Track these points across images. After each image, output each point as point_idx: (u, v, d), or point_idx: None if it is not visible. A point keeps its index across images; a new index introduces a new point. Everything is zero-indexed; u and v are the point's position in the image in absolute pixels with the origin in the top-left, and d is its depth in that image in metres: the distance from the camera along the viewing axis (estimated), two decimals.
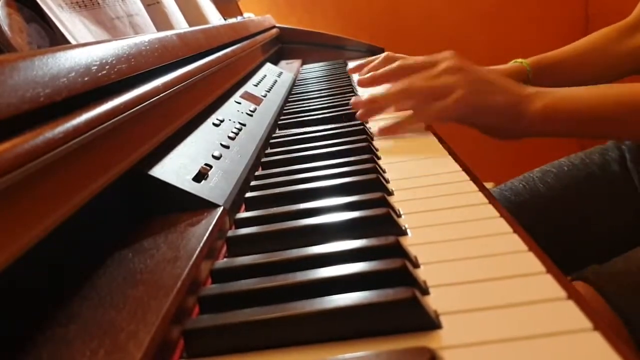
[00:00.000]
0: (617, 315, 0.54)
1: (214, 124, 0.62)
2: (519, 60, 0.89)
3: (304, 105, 0.92)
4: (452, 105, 0.62)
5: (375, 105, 0.70)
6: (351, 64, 0.99)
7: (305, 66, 1.45)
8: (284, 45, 1.55)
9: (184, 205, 0.43)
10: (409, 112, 0.69)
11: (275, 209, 0.46)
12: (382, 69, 0.74)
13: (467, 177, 0.50)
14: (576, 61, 0.90)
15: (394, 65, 0.72)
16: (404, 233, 0.41)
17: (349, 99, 0.89)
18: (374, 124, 0.73)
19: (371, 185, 0.48)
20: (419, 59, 0.70)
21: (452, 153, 0.59)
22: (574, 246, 0.81)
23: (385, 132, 0.69)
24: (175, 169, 0.46)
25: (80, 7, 0.62)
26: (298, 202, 0.47)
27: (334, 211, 0.44)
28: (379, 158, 0.60)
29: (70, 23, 0.59)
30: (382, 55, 0.80)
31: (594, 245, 0.80)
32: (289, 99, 1.00)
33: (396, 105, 0.69)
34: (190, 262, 0.34)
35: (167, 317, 0.29)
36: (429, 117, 0.65)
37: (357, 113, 0.72)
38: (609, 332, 0.26)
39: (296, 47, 1.58)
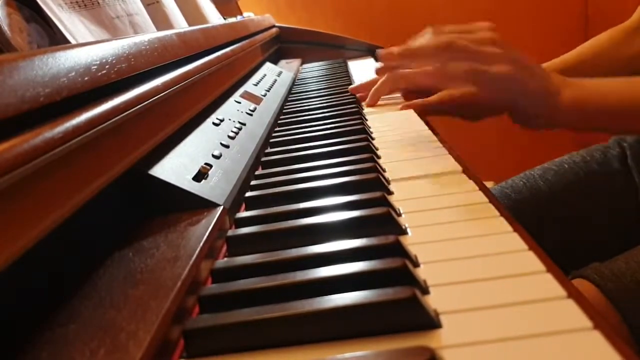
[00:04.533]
0: (618, 314, 0.54)
1: (213, 123, 0.62)
2: None
3: (304, 104, 0.92)
4: (495, 75, 0.58)
5: (413, 56, 0.65)
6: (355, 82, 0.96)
7: (305, 65, 1.45)
8: (283, 45, 1.55)
9: (184, 204, 0.43)
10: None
11: (275, 208, 0.46)
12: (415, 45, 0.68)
13: (467, 176, 0.50)
14: (581, 67, 0.89)
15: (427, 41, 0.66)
16: (404, 232, 0.40)
17: (349, 98, 0.89)
18: (376, 120, 0.73)
19: (371, 185, 0.48)
20: (456, 26, 0.65)
21: (452, 152, 0.59)
22: (574, 243, 0.81)
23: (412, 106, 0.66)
24: (175, 168, 0.46)
25: (80, 6, 0.62)
26: (298, 201, 0.47)
27: (334, 210, 0.44)
28: (379, 157, 0.60)
29: (70, 23, 0.59)
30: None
31: (594, 243, 0.80)
32: (289, 98, 1.00)
33: (435, 59, 0.63)
34: (190, 262, 0.34)
35: (167, 316, 0.29)
36: (467, 77, 0.60)
37: (382, 66, 0.68)
38: (609, 331, 0.26)
39: (296, 47, 1.58)
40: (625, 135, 0.82)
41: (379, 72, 0.82)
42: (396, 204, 0.46)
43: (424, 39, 0.66)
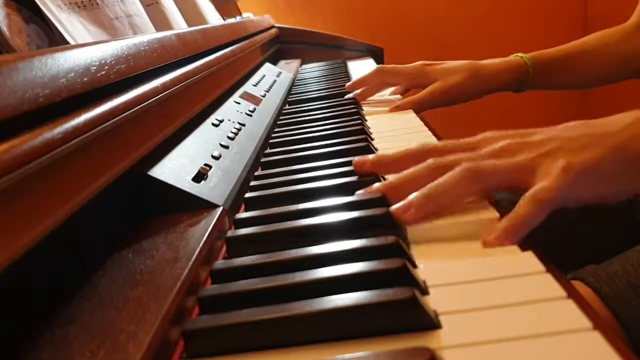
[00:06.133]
0: (613, 317, 0.54)
1: (213, 124, 0.62)
2: (520, 54, 0.88)
3: (304, 105, 0.92)
4: (553, 187, 0.39)
5: (435, 205, 0.41)
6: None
7: (304, 66, 1.45)
8: (283, 45, 1.55)
9: (184, 205, 0.43)
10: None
11: (274, 209, 0.46)
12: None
13: None
14: (578, 59, 0.89)
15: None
16: (404, 233, 0.40)
17: (349, 99, 0.90)
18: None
19: (371, 185, 0.48)
20: (450, 143, 0.48)
21: None
22: (572, 244, 0.81)
23: None
24: (174, 169, 0.46)
25: (79, 7, 0.62)
26: (298, 202, 0.47)
27: (333, 211, 0.44)
28: None
29: (69, 23, 0.59)
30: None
31: (592, 243, 0.80)
32: (288, 99, 1.00)
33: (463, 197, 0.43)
34: (190, 263, 0.34)
35: (167, 317, 0.29)
36: (531, 210, 0.38)
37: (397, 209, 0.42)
38: (608, 331, 0.26)
39: (295, 47, 1.58)
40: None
41: None
42: None
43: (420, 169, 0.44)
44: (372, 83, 0.92)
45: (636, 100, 1.01)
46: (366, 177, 0.49)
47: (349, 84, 0.95)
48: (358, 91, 0.92)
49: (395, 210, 0.40)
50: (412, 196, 0.41)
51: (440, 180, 0.41)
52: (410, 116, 0.80)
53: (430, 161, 0.44)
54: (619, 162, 0.41)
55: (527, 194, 0.39)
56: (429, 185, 0.41)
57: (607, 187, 0.42)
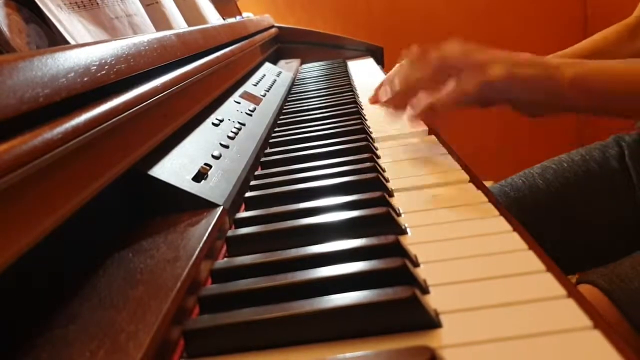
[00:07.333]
0: (626, 320, 0.54)
1: (213, 123, 0.62)
2: None
3: (304, 104, 0.92)
4: (495, 80, 0.57)
5: (414, 88, 0.61)
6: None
7: (304, 65, 1.45)
8: (282, 45, 1.55)
9: (184, 205, 0.43)
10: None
11: (275, 208, 0.46)
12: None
13: (466, 176, 0.50)
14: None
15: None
16: (403, 232, 0.41)
17: (348, 98, 0.89)
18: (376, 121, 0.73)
19: (371, 185, 0.48)
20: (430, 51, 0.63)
21: (451, 152, 0.59)
22: (573, 242, 0.81)
23: (421, 118, 0.61)
24: (174, 168, 0.46)
25: (79, 7, 0.62)
26: (298, 201, 0.47)
27: (333, 210, 0.44)
28: (378, 157, 0.60)
29: (69, 23, 0.59)
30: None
31: (593, 241, 0.80)
32: (289, 99, 1.00)
33: (432, 83, 0.60)
34: (190, 262, 0.34)
35: (167, 317, 0.29)
36: (469, 91, 0.57)
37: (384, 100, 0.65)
38: (609, 330, 0.26)
39: (295, 47, 1.58)
40: (629, 117, 0.81)
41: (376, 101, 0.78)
42: (396, 204, 0.46)
43: (407, 69, 0.64)
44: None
45: None
46: (366, 177, 0.49)
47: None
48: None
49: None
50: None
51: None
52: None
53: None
54: (545, 84, 0.57)
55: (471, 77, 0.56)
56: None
57: (527, 98, 0.58)
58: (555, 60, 0.59)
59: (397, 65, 0.88)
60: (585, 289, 0.58)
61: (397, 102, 0.63)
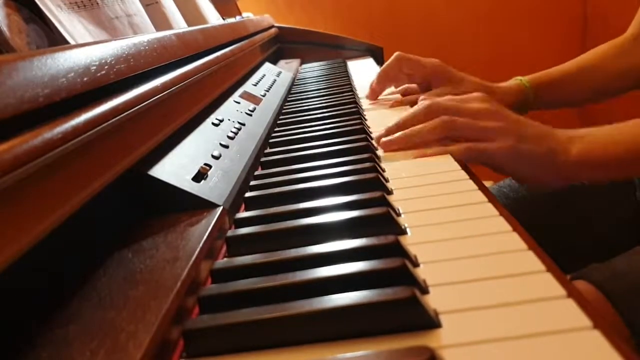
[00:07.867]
0: (618, 315, 0.54)
1: (213, 123, 0.62)
2: (519, 78, 0.89)
3: (304, 104, 0.92)
4: (496, 152, 0.57)
5: (410, 143, 0.61)
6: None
7: (304, 65, 1.45)
8: (282, 45, 1.55)
9: (184, 205, 0.43)
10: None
11: (274, 208, 0.46)
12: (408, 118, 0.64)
13: (466, 176, 0.50)
14: (576, 79, 0.90)
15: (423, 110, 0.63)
16: (403, 232, 0.41)
17: (348, 98, 0.89)
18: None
19: (371, 184, 0.48)
20: (449, 98, 0.64)
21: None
22: (572, 243, 0.81)
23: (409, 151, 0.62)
24: (174, 169, 0.46)
25: (79, 7, 0.62)
26: (298, 201, 0.47)
27: (333, 210, 0.44)
28: (378, 157, 0.60)
29: (69, 23, 0.59)
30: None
31: (593, 242, 0.80)
32: (288, 99, 1.00)
33: (434, 141, 0.61)
34: (190, 262, 0.34)
35: (167, 317, 0.29)
36: (469, 156, 0.58)
37: (383, 142, 0.63)
38: (609, 330, 0.26)
39: (295, 47, 1.58)
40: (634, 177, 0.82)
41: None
42: (396, 204, 0.46)
43: (417, 114, 0.63)
44: (391, 74, 0.90)
45: (635, 107, 1.01)
46: (366, 177, 0.49)
47: (373, 83, 0.93)
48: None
49: (378, 138, 0.64)
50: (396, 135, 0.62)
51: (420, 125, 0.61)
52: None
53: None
54: (548, 161, 0.58)
55: (472, 144, 0.58)
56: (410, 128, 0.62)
57: (528, 172, 0.60)
58: (564, 135, 0.60)
59: (396, 53, 0.89)
60: (580, 284, 0.58)
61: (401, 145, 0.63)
